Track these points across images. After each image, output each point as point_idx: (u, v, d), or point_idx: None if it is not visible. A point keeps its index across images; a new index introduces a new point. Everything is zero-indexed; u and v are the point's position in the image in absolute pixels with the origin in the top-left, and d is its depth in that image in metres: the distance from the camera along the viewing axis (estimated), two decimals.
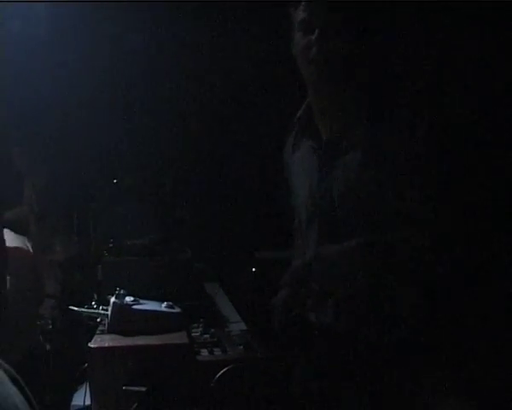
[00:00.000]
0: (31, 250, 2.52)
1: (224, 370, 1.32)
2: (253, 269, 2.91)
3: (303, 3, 1.69)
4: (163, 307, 1.47)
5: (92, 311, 1.47)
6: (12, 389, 0.73)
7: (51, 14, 3.53)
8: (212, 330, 1.53)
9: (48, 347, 2.12)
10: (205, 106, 3.40)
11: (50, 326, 2.53)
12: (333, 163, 1.69)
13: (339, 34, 1.64)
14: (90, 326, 1.46)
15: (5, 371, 0.75)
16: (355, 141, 1.66)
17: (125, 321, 1.41)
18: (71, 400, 1.56)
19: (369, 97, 1.69)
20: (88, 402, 1.36)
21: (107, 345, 1.34)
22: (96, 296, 1.81)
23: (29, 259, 2.50)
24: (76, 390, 1.54)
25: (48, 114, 3.59)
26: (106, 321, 1.43)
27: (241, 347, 1.43)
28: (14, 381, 0.75)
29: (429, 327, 1.52)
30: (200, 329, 1.54)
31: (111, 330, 1.41)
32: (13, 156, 3.75)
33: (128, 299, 1.44)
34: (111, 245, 1.95)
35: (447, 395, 1.50)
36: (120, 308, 1.42)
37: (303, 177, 1.78)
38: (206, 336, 1.50)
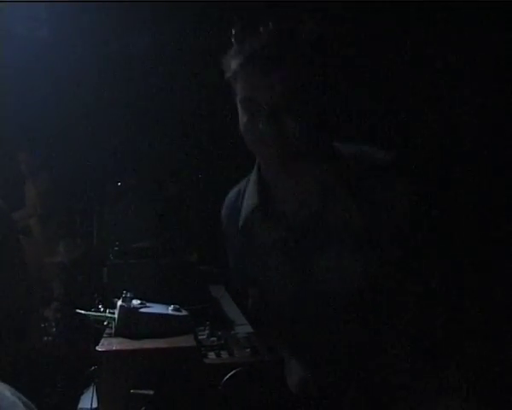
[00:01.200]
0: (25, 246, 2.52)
1: (232, 373, 1.32)
2: None
3: (242, 77, 1.35)
4: (170, 310, 1.47)
5: (99, 314, 1.46)
6: None
7: (52, 16, 3.54)
8: (219, 332, 1.53)
9: (54, 349, 2.13)
10: (210, 107, 3.40)
11: (54, 329, 2.54)
12: (307, 253, 1.45)
13: (294, 109, 1.32)
14: (96, 329, 1.46)
15: (19, 398, 0.76)
16: (333, 222, 1.40)
17: (132, 324, 1.41)
18: (78, 403, 1.56)
19: (347, 167, 1.41)
20: (95, 405, 1.36)
21: (114, 348, 1.33)
22: (101, 299, 1.81)
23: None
24: (83, 393, 1.54)
25: (50, 116, 3.60)
26: (113, 324, 1.43)
27: (248, 349, 1.42)
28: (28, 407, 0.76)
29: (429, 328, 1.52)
30: (207, 332, 1.53)
31: (118, 333, 1.41)
32: (17, 158, 3.77)
33: (135, 302, 1.44)
34: (116, 248, 1.96)
35: (447, 396, 1.50)
36: (127, 311, 1.42)
37: (267, 266, 1.53)
38: (212, 338, 1.49)
